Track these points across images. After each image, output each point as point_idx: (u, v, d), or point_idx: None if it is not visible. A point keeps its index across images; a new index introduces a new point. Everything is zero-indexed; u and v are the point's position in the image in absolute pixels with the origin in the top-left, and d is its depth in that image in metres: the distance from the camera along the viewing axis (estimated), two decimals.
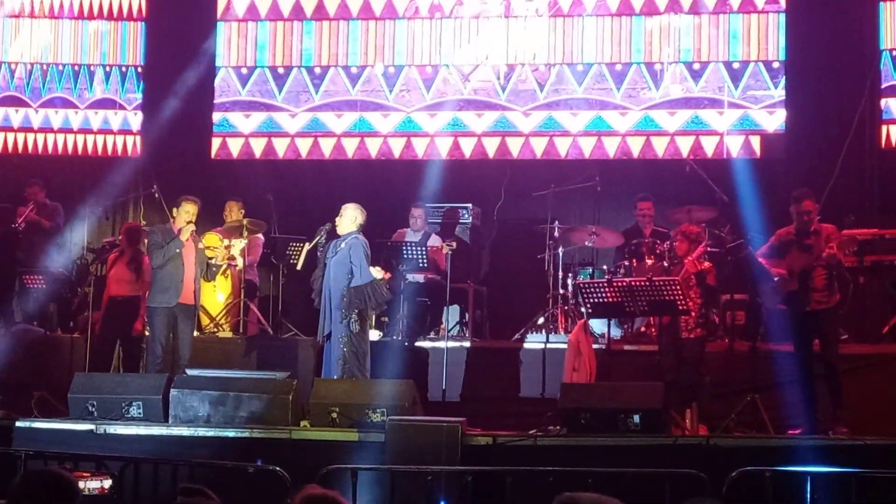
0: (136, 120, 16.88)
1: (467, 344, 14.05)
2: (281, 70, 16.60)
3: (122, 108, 16.86)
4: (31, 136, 17.07)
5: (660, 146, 15.68)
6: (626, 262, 14.09)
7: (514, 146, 16.06)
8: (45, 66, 17.06)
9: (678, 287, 11.71)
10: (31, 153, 17.03)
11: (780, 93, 15.43)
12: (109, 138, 16.96)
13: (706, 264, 12.30)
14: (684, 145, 15.61)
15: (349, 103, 16.41)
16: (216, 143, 16.72)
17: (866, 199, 14.95)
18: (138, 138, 16.81)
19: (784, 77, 15.41)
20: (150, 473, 10.59)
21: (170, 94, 16.16)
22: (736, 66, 15.51)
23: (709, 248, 12.82)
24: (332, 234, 12.60)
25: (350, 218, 12.53)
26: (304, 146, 16.52)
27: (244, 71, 16.69)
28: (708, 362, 12.29)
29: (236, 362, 13.69)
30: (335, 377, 12.14)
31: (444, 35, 16.27)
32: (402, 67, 16.32)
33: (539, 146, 15.99)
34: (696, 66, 15.61)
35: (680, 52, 15.70)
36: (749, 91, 15.49)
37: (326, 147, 16.46)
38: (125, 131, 16.92)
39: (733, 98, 15.46)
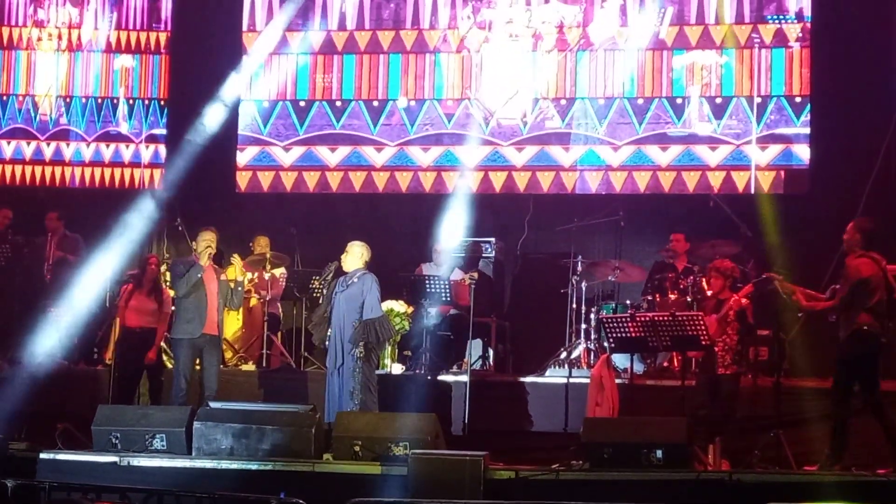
0: (161, 152, 16.99)
1: (490, 378, 14.03)
2: (303, 104, 16.70)
3: (141, 141, 17.01)
4: (56, 170, 17.25)
5: (682, 181, 15.71)
6: (650, 297, 14.08)
7: (536, 180, 16.09)
8: (67, 100, 17.28)
9: (701, 322, 11.70)
10: (55, 185, 17.20)
11: (804, 128, 15.44)
12: (128, 171, 17.11)
13: (745, 301, 12.23)
14: (707, 181, 15.63)
15: (372, 139, 16.52)
16: (241, 176, 16.82)
17: (891, 233, 14.88)
18: (162, 171, 16.91)
19: (809, 112, 15.43)
20: None
21: (193, 127, 16.27)
22: (759, 101, 15.54)
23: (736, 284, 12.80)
24: (339, 272, 12.68)
25: (356, 255, 12.62)
26: (333, 180, 16.61)
27: (267, 104, 16.80)
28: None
29: (259, 395, 13.71)
30: (346, 409, 12.15)
31: (471, 70, 16.34)
32: (425, 102, 16.40)
33: (565, 181, 16.04)
34: (719, 101, 15.66)
35: (704, 87, 15.73)
36: (773, 127, 15.51)
37: (356, 181, 16.55)
38: (154, 165, 17.05)
39: (757, 133, 15.49)
